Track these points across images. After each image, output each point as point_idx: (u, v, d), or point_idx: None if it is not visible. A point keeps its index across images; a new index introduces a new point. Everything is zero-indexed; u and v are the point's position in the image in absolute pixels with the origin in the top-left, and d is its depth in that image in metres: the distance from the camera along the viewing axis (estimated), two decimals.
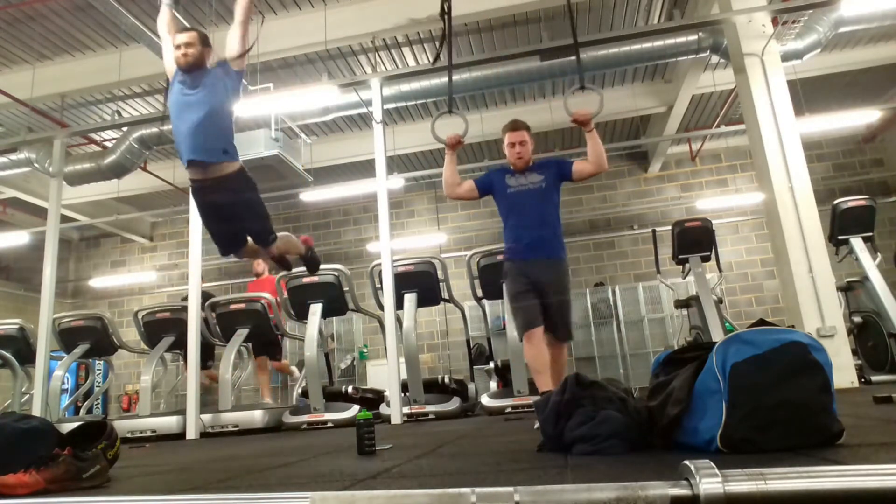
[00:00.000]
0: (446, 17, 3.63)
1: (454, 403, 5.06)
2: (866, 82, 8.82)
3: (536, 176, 3.30)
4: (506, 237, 3.37)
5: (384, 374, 5.09)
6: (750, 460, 1.18)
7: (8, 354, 6.35)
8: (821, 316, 4.82)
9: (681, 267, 6.24)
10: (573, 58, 6.22)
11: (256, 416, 5.18)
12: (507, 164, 3.42)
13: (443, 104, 8.81)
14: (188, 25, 3.22)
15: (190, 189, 3.18)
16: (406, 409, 4.77)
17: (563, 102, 3.52)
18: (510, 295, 3.31)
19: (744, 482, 0.86)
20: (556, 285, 3.19)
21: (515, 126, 3.35)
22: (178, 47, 2.99)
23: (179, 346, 5.82)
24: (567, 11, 3.68)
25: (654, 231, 6.61)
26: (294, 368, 6.96)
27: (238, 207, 3.08)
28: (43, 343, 5.68)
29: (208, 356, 6.29)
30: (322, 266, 5.69)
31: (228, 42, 3.07)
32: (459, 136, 3.39)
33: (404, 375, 4.99)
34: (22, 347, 6.35)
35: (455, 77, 6.60)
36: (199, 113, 2.94)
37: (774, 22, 5.55)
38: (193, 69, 3.00)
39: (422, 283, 5.39)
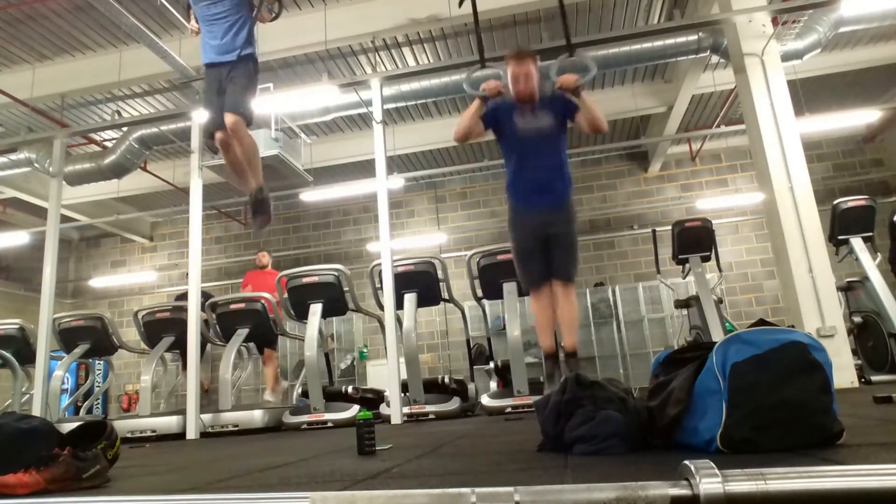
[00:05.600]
0: None
1: (454, 403, 5.05)
2: (866, 82, 8.82)
3: (546, 117, 3.06)
4: (510, 180, 3.15)
5: (384, 374, 5.08)
6: (750, 460, 1.18)
7: (8, 354, 6.34)
8: (821, 316, 4.82)
9: (681, 267, 6.24)
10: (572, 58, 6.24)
11: (256, 416, 5.18)
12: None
13: (443, 104, 8.82)
14: None
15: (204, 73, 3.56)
16: (406, 409, 4.77)
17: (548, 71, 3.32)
18: (515, 250, 3.14)
19: (744, 482, 0.86)
20: (562, 235, 3.04)
21: (520, 56, 3.03)
22: None
23: (179, 346, 5.82)
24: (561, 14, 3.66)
25: (654, 231, 6.61)
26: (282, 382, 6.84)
27: (236, 80, 3.42)
28: (43, 343, 5.67)
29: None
30: (322, 266, 5.72)
31: None
32: (501, 86, 3.07)
33: (404, 375, 4.99)
34: (22, 347, 6.35)
35: (456, 77, 6.64)
36: (222, 15, 3.40)
37: (774, 22, 5.55)
38: None
39: (422, 283, 5.39)
